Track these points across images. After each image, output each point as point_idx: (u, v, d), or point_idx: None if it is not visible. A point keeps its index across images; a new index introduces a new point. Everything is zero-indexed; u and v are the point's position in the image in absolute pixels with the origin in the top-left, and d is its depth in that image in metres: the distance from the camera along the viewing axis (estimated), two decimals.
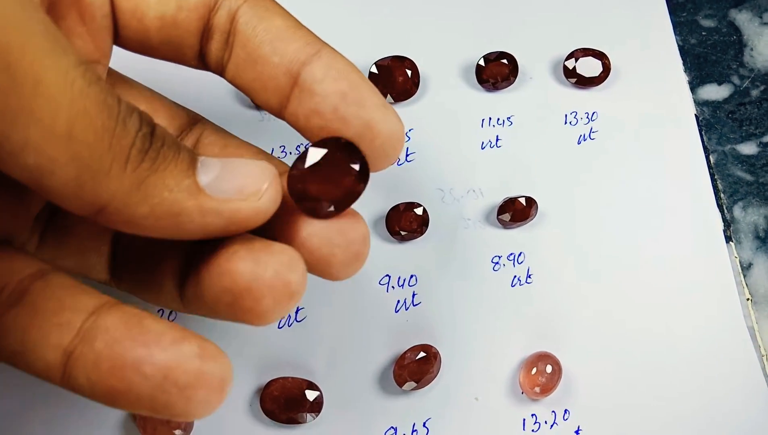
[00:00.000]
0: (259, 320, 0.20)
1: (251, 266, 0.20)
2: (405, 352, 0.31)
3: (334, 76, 0.22)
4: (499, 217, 0.33)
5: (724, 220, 0.34)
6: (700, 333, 0.32)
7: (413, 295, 0.33)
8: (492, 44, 0.36)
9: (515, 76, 0.36)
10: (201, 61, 0.24)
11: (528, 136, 0.35)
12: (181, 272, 0.23)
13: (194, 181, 0.19)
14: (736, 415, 0.31)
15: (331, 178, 0.21)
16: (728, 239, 0.34)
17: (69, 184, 0.17)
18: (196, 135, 0.26)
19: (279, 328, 0.32)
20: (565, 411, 0.31)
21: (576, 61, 0.36)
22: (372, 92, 0.22)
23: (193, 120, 0.26)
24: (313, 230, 0.21)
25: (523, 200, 0.33)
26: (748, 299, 0.33)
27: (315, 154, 0.21)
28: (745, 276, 0.34)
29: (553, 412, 0.31)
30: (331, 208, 0.21)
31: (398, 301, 0.32)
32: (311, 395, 0.30)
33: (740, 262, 0.34)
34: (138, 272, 0.24)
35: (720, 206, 0.34)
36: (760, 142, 0.36)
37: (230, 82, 0.24)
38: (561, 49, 0.36)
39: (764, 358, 0.32)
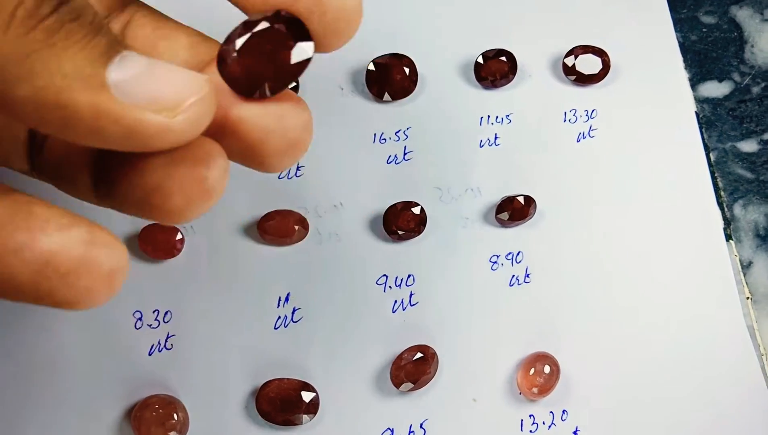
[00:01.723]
0: (170, 219, 0.18)
1: (163, 161, 0.18)
2: (402, 353, 0.31)
3: None
4: (498, 216, 0.33)
5: (725, 218, 0.34)
6: (699, 332, 0.32)
7: (410, 295, 0.32)
8: (491, 41, 0.36)
9: (514, 74, 0.35)
10: None
11: (527, 134, 0.35)
12: (95, 164, 0.21)
13: (99, 74, 0.16)
14: (735, 413, 0.31)
15: (266, 54, 0.18)
16: (728, 237, 0.34)
17: None
18: (129, 15, 0.23)
19: (275, 328, 0.32)
20: (563, 411, 0.31)
21: (575, 58, 0.35)
22: None
23: (124, 1, 0.23)
24: (244, 113, 0.19)
25: (521, 199, 0.33)
26: (748, 298, 0.33)
27: (249, 27, 0.18)
28: (745, 274, 0.34)
29: (551, 412, 0.31)
30: (267, 90, 0.19)
31: (395, 301, 0.32)
32: (307, 396, 0.30)
33: (740, 261, 0.34)
34: (53, 163, 0.22)
35: (720, 204, 0.34)
36: (761, 140, 0.36)
37: None
38: (560, 46, 0.36)
39: (764, 356, 0.32)
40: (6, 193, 0.17)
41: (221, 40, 0.19)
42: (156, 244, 0.32)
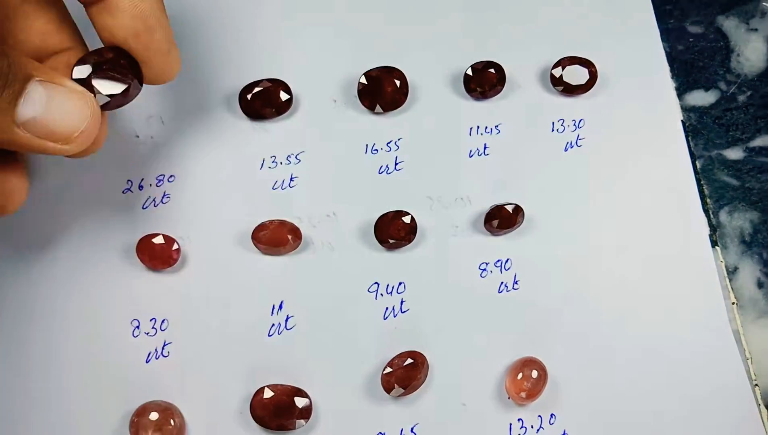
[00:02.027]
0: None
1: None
2: (393, 359, 0.31)
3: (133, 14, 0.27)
4: (487, 224, 0.34)
5: (711, 224, 0.35)
6: (685, 336, 0.33)
7: (401, 302, 0.33)
8: (480, 53, 0.37)
9: (503, 85, 0.36)
10: None
11: (515, 144, 0.36)
12: None
13: (10, 119, 0.24)
14: (721, 417, 0.32)
15: (111, 79, 0.27)
16: (714, 244, 0.34)
17: None
18: None
19: (269, 336, 0.32)
20: (552, 415, 0.32)
21: (563, 69, 0.36)
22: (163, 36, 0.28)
23: None
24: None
25: (509, 208, 0.34)
26: (733, 303, 0.34)
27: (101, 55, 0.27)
28: (730, 280, 0.34)
29: (539, 416, 0.32)
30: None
31: (387, 309, 0.33)
32: (301, 402, 0.31)
33: (726, 267, 0.34)
34: None
35: (706, 211, 0.35)
36: (747, 148, 0.37)
37: None
38: (548, 58, 0.37)
39: (749, 361, 0.33)
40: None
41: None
42: (153, 254, 0.32)
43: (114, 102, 0.28)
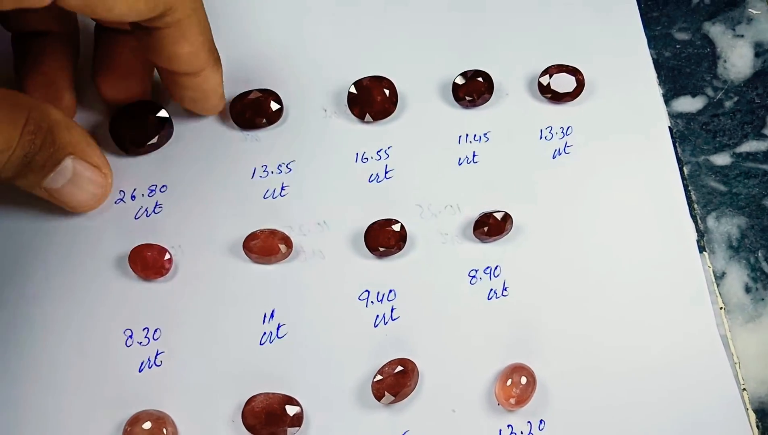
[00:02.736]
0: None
1: None
2: (383, 367, 0.32)
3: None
4: (476, 231, 0.34)
5: (698, 230, 0.35)
6: (673, 342, 0.33)
7: (392, 309, 0.33)
8: (468, 62, 0.37)
9: (491, 93, 0.37)
10: None
11: (504, 152, 0.36)
12: None
13: (39, 183, 0.31)
14: (709, 423, 0.32)
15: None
16: (702, 249, 0.35)
17: None
18: None
19: (260, 344, 0.33)
20: (541, 421, 0.32)
21: (550, 77, 0.36)
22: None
23: None
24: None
25: (498, 215, 0.34)
26: (721, 308, 0.34)
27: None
28: (718, 285, 0.35)
29: (528, 422, 0.32)
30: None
31: (377, 316, 0.33)
32: (292, 410, 0.31)
33: (713, 272, 0.35)
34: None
35: (694, 216, 0.35)
36: (734, 153, 0.37)
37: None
38: (536, 66, 0.37)
39: (737, 365, 0.33)
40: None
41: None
42: (145, 263, 0.33)
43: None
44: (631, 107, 0.37)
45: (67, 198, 0.32)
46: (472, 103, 0.36)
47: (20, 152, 0.29)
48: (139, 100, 0.35)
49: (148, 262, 0.33)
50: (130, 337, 0.33)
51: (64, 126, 0.31)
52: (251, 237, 0.34)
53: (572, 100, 0.37)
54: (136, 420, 0.31)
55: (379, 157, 0.36)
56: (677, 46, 0.39)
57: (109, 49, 0.35)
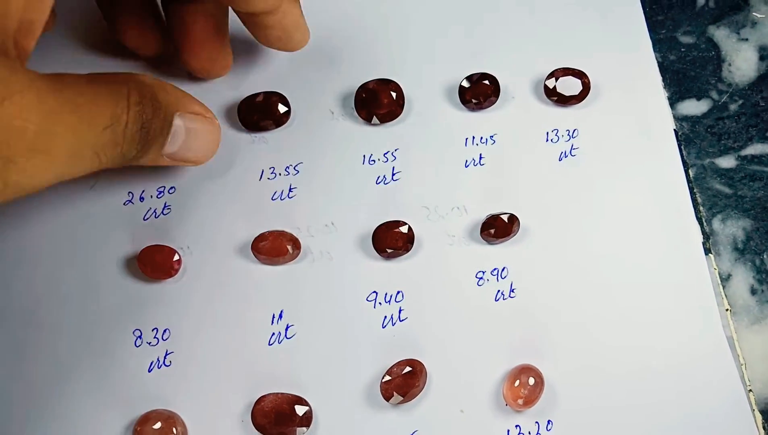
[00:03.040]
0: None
1: None
2: (391, 367, 0.32)
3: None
4: (483, 233, 0.34)
5: (704, 232, 0.35)
6: (680, 344, 0.33)
7: (400, 310, 0.33)
8: (474, 65, 0.37)
9: (497, 96, 0.37)
10: None
11: (510, 154, 0.36)
12: None
13: (159, 155, 0.30)
14: (716, 424, 0.32)
15: None
16: (707, 251, 0.35)
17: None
18: None
19: (269, 344, 0.33)
20: (549, 422, 0.32)
21: (556, 80, 0.37)
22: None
23: None
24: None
25: (505, 217, 0.34)
26: (727, 310, 0.34)
27: None
28: (724, 287, 0.35)
29: (536, 423, 0.32)
30: None
31: (385, 317, 0.33)
32: (301, 410, 0.31)
33: (719, 274, 0.35)
34: None
35: (699, 219, 0.35)
36: (739, 156, 0.37)
37: None
38: (542, 69, 0.37)
39: (743, 367, 0.33)
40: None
41: None
42: (154, 264, 0.33)
43: None
44: (637, 110, 0.37)
45: (188, 155, 0.32)
46: (479, 106, 0.37)
47: (135, 125, 0.27)
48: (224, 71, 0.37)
49: (158, 263, 0.33)
50: (140, 337, 0.33)
51: (159, 87, 0.30)
52: (259, 238, 0.34)
53: (578, 103, 0.37)
54: (146, 420, 0.31)
55: (386, 160, 0.36)
56: (682, 50, 0.39)
57: (186, 20, 0.34)
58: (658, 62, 0.38)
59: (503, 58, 0.38)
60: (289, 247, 0.33)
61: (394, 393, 0.31)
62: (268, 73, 0.37)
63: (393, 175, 0.36)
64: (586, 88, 0.37)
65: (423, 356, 0.33)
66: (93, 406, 0.32)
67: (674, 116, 0.38)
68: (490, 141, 0.36)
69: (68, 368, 0.32)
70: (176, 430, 0.31)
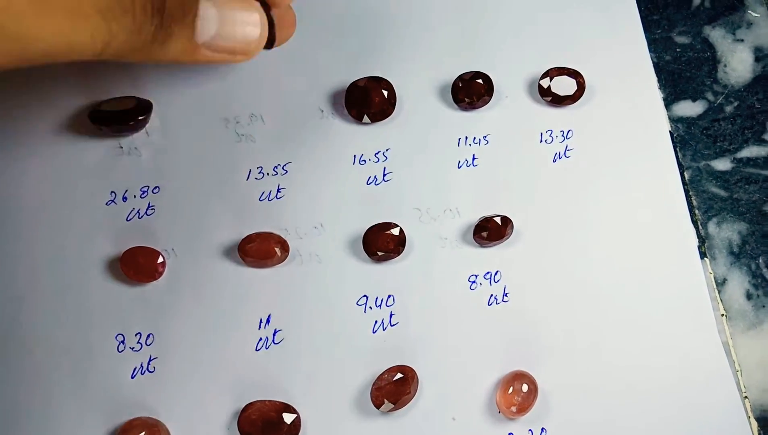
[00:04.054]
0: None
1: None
2: (382, 374, 0.31)
3: None
4: (476, 236, 0.34)
5: (699, 236, 0.35)
6: (675, 349, 0.33)
7: (390, 315, 0.33)
8: (467, 64, 0.37)
9: (491, 96, 0.36)
10: None
11: (504, 155, 0.36)
12: None
13: (195, 44, 0.27)
14: (711, 429, 0.32)
15: None
16: (703, 255, 0.34)
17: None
18: None
19: (257, 350, 0.32)
20: (542, 429, 0.31)
21: (551, 80, 0.36)
22: None
23: None
24: None
25: (498, 219, 0.33)
26: (722, 315, 0.34)
27: None
28: (719, 292, 0.34)
29: (530, 430, 0.31)
30: None
31: (376, 322, 0.33)
32: (288, 418, 0.30)
33: (715, 278, 0.34)
34: None
35: (695, 222, 0.35)
36: (734, 158, 0.37)
37: None
38: (536, 68, 0.37)
39: (739, 373, 0.33)
40: None
41: None
42: (138, 267, 0.32)
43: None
44: (632, 111, 0.37)
45: (228, 44, 0.28)
46: (472, 106, 0.36)
47: None
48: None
49: (141, 265, 0.32)
50: (122, 342, 0.32)
51: None
52: (246, 240, 0.33)
53: (573, 103, 0.36)
54: (128, 428, 0.30)
55: (377, 160, 0.35)
56: (677, 50, 0.39)
57: None
58: (653, 62, 0.38)
59: (497, 57, 0.37)
60: (277, 250, 0.33)
61: (385, 400, 0.31)
62: None
63: (384, 175, 0.35)
64: (581, 88, 0.36)
65: (414, 362, 0.32)
66: (73, 413, 0.31)
67: (669, 117, 0.37)
68: (483, 141, 0.36)
69: (48, 373, 0.31)
70: None
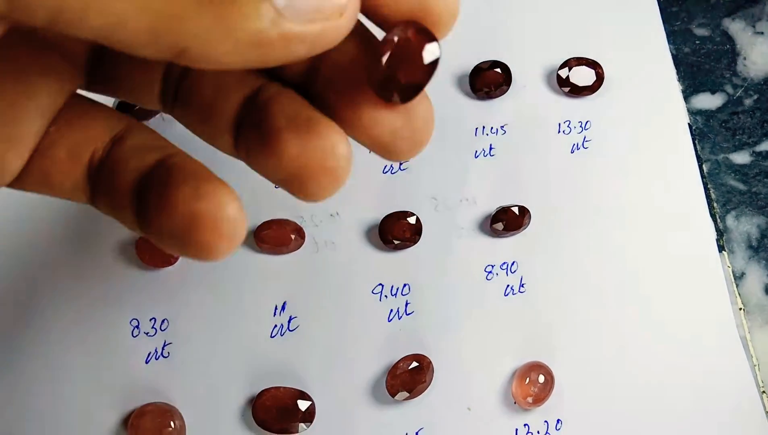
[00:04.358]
0: (309, 199, 0.21)
1: (296, 152, 0.20)
2: (398, 362, 0.31)
3: None
4: (492, 226, 0.33)
5: (717, 229, 0.34)
6: (692, 342, 0.32)
7: (406, 304, 0.33)
8: (486, 53, 0.36)
9: (509, 85, 0.36)
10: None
11: (521, 145, 0.35)
12: (236, 126, 0.22)
13: (272, 6, 0.17)
14: (728, 424, 0.31)
15: (407, 61, 0.20)
16: (721, 249, 0.34)
17: (142, 35, 0.16)
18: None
19: (272, 337, 0.32)
20: (558, 421, 0.31)
21: (569, 70, 0.36)
22: None
23: None
24: (376, 119, 0.21)
25: (516, 209, 0.33)
26: (740, 309, 0.33)
27: (389, 41, 0.19)
28: (737, 285, 0.34)
29: (545, 422, 0.31)
30: (404, 94, 0.20)
31: (391, 311, 0.32)
32: (303, 405, 0.30)
33: (733, 272, 0.34)
34: (193, 117, 0.24)
35: (713, 216, 0.35)
36: (753, 152, 0.36)
37: None
38: (554, 58, 0.36)
39: (756, 368, 0.32)
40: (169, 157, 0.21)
41: None
42: (153, 252, 0.32)
43: None
44: (651, 103, 0.36)
45: (317, 15, 0.17)
46: (489, 95, 0.36)
47: None
48: None
49: (157, 250, 0.32)
50: (137, 327, 0.32)
51: None
52: (262, 226, 0.33)
53: (591, 94, 0.36)
54: (142, 413, 0.30)
55: None
56: (696, 42, 0.39)
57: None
58: (672, 54, 0.37)
59: (515, 46, 0.37)
60: (292, 237, 0.32)
61: (400, 389, 0.30)
62: None
63: (400, 164, 0.35)
64: (600, 78, 0.36)
65: (430, 351, 0.32)
66: (87, 398, 0.31)
67: (688, 110, 0.37)
68: (500, 131, 0.35)
69: (62, 359, 0.31)
70: (173, 423, 0.30)
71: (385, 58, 0.19)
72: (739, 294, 0.34)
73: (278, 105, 0.21)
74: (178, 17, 0.16)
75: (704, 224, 0.34)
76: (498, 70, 0.36)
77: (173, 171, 0.21)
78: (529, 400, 0.31)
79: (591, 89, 0.36)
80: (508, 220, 0.33)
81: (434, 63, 0.20)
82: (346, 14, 0.18)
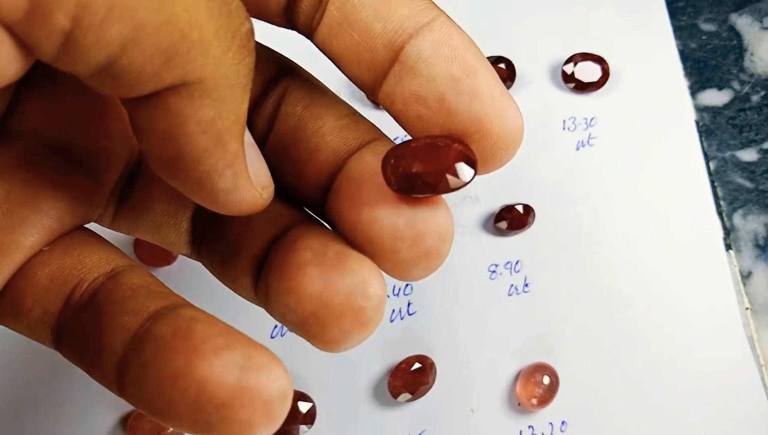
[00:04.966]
0: (328, 347, 0.18)
1: (319, 288, 0.17)
2: (400, 363, 0.31)
3: (445, 56, 0.18)
4: (496, 224, 0.33)
5: (724, 227, 0.34)
6: (699, 342, 0.32)
7: (408, 304, 0.32)
8: (490, 48, 0.36)
9: (513, 81, 0.35)
10: (287, 17, 0.19)
11: (525, 142, 0.34)
12: (258, 267, 0.20)
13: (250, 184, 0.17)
14: (735, 424, 0.31)
15: (428, 161, 0.17)
16: (728, 247, 0.34)
17: (156, 57, 0.14)
18: (283, 88, 0.21)
19: (272, 337, 0.31)
20: (563, 423, 0.31)
21: (575, 65, 0.35)
22: (490, 80, 0.18)
23: (280, 71, 0.21)
24: (375, 215, 0.17)
25: (520, 208, 0.33)
26: (747, 308, 0.33)
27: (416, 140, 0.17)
28: (744, 285, 0.34)
29: (550, 423, 0.31)
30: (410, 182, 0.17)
31: (393, 311, 0.32)
32: (304, 407, 0.30)
33: (740, 271, 0.34)
34: (216, 257, 0.21)
35: (720, 214, 0.34)
36: (761, 149, 0.36)
37: (319, 47, 0.19)
38: (560, 54, 0.36)
39: (763, 367, 0.32)
40: (176, 309, 0.17)
41: None
42: (152, 250, 0.31)
43: None
44: (657, 99, 0.36)
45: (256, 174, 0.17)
46: None
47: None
48: None
49: (155, 249, 0.32)
50: None
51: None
52: None
53: (597, 90, 0.35)
54: (141, 413, 0.30)
55: None
56: (703, 38, 0.38)
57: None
58: (678, 50, 0.37)
59: (520, 41, 0.36)
60: None
61: (403, 390, 0.30)
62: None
63: None
64: (606, 74, 0.35)
65: (432, 352, 0.31)
66: (86, 397, 0.30)
67: (695, 106, 0.36)
68: None
69: (61, 359, 0.31)
70: None
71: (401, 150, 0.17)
72: (746, 293, 0.33)
73: (306, 240, 0.18)
74: (203, 47, 0.14)
75: (711, 222, 0.34)
76: (502, 65, 0.35)
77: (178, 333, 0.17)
78: (534, 401, 0.30)
79: (596, 85, 0.35)
80: (512, 219, 0.33)
81: (458, 186, 0.17)
82: (267, 194, 0.17)
